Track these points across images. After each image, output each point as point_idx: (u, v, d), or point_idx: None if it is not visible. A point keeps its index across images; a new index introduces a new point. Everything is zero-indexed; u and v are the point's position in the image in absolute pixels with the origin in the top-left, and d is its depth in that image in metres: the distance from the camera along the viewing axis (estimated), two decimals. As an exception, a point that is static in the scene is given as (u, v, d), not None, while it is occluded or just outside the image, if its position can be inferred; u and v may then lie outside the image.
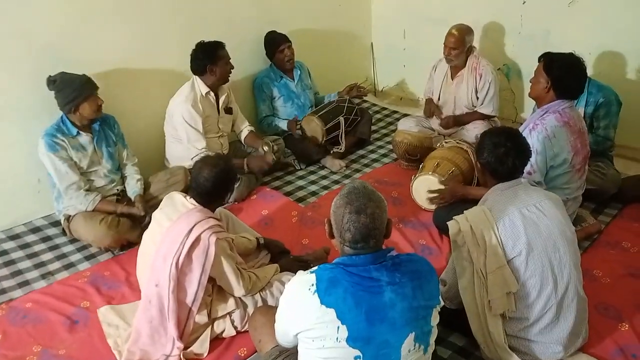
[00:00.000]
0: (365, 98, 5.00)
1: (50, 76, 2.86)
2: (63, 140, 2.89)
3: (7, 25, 2.89)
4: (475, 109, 3.84)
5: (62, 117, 2.93)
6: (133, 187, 3.14)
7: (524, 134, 2.61)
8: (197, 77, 3.36)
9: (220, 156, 2.41)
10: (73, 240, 3.07)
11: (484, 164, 2.18)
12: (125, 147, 3.22)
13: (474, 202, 2.28)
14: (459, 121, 3.86)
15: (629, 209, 3.19)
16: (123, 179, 3.20)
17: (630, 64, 3.65)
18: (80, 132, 2.96)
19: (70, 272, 2.85)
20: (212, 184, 2.27)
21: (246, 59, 4.00)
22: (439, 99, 3.94)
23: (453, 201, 2.97)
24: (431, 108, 3.94)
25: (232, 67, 3.41)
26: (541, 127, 2.62)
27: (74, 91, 2.83)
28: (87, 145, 3.00)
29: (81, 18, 3.14)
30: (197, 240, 2.20)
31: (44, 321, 2.51)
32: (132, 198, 3.11)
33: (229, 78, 3.44)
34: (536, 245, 2.02)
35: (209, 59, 3.27)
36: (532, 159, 2.51)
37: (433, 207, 3.13)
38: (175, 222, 2.25)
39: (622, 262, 2.76)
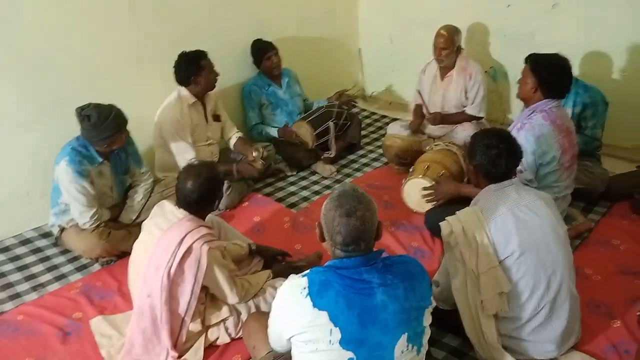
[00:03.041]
0: (354, 103, 5.02)
1: (81, 109, 2.72)
2: (87, 167, 2.82)
3: (-5, 35, 2.89)
4: (463, 110, 3.86)
5: (84, 144, 2.83)
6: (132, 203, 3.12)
7: (512, 133, 2.65)
8: (182, 87, 3.35)
9: (203, 164, 2.38)
10: (64, 252, 3.05)
11: (476, 165, 2.18)
12: (139, 166, 3.16)
13: (467, 203, 2.30)
14: (447, 119, 3.88)
15: (617, 207, 3.23)
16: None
17: (615, 63, 3.69)
18: (104, 160, 2.90)
19: (62, 283, 2.84)
20: (197, 195, 2.25)
21: (235, 66, 4.01)
22: (427, 100, 3.96)
23: (446, 200, 2.98)
24: (417, 122, 3.96)
25: (217, 75, 3.40)
26: (529, 125, 2.65)
27: (111, 129, 2.75)
28: (105, 173, 2.95)
29: (71, 26, 3.14)
30: (189, 250, 2.20)
31: (36, 333, 2.49)
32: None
33: (215, 85, 3.43)
34: (528, 245, 2.03)
35: (192, 69, 3.26)
36: (522, 158, 2.53)
37: (424, 209, 3.14)
38: (166, 232, 2.24)
39: (612, 259, 2.79)
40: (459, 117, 3.87)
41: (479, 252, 2.03)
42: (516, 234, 2.03)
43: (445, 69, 3.84)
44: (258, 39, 4.00)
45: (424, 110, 3.94)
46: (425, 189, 3.10)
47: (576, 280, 2.19)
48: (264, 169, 3.62)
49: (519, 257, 2.02)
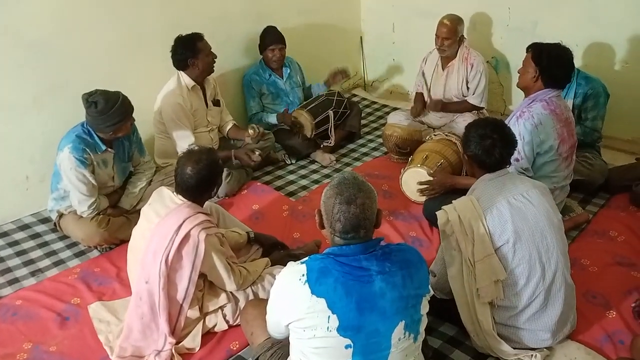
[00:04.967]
0: (354, 92, 5.01)
1: (88, 96, 2.69)
2: (90, 155, 2.80)
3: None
4: (465, 99, 3.85)
5: (88, 131, 2.80)
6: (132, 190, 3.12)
7: (511, 122, 2.65)
8: (181, 72, 3.33)
9: (203, 150, 2.36)
10: (62, 237, 3.05)
11: (471, 155, 2.20)
12: (142, 154, 3.17)
13: (464, 192, 2.31)
14: (448, 107, 3.86)
15: (616, 199, 3.23)
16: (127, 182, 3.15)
17: (618, 55, 3.68)
18: (108, 149, 2.88)
19: (60, 269, 2.84)
20: (195, 180, 2.25)
21: (236, 52, 3.99)
22: (429, 90, 3.94)
23: (443, 192, 2.99)
24: (418, 108, 3.94)
25: (215, 57, 3.35)
26: (528, 114, 2.65)
27: (118, 116, 2.72)
28: (108, 162, 2.93)
29: (69, 12, 3.11)
30: (187, 236, 2.19)
31: (34, 318, 2.49)
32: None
33: (214, 68, 3.39)
34: (523, 233, 2.04)
35: (189, 52, 3.22)
36: (520, 146, 2.53)
37: (422, 199, 3.15)
38: (164, 219, 2.24)
39: (610, 250, 2.80)
40: (461, 106, 3.85)
41: (475, 240, 2.05)
42: (511, 222, 2.04)
43: (446, 59, 3.81)
44: (272, 27, 3.92)
45: (426, 98, 3.93)
46: (421, 183, 3.10)
47: (573, 271, 2.21)
48: (262, 159, 3.61)
49: (514, 245, 2.04)
